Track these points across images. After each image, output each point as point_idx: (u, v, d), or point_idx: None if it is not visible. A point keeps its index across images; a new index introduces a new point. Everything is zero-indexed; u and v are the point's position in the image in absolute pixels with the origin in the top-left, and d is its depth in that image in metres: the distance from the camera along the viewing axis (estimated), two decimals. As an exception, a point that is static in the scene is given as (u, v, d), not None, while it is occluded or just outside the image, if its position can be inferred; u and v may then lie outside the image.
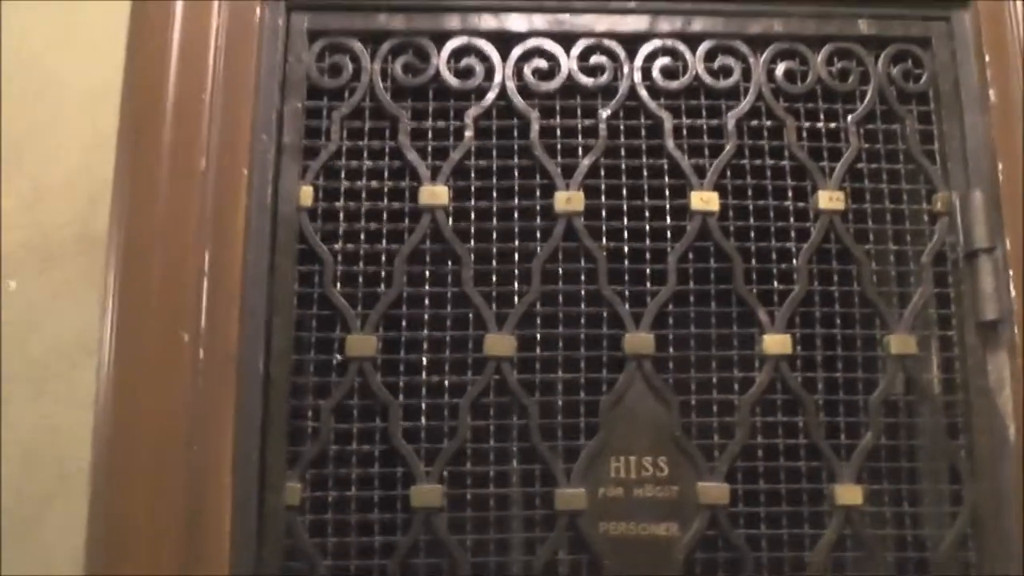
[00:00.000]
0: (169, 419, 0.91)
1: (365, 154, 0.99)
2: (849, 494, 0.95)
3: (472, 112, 0.99)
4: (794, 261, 0.99)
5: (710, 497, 0.94)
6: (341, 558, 0.94)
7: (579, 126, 1.00)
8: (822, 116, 1.03)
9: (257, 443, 0.92)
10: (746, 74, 1.02)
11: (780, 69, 1.03)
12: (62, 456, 0.90)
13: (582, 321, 0.97)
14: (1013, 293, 0.95)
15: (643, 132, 1.01)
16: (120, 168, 0.96)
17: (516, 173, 0.99)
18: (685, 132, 1.01)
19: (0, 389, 0.91)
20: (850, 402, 0.98)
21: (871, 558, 0.95)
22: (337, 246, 0.96)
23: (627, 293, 0.97)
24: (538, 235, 0.98)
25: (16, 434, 0.89)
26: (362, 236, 0.97)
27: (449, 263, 0.97)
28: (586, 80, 1.01)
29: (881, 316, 0.98)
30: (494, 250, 0.98)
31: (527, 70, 1.01)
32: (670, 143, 1.00)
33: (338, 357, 0.95)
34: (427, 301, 0.97)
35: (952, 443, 0.97)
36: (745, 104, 1.01)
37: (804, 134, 1.02)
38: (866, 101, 1.03)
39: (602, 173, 1.00)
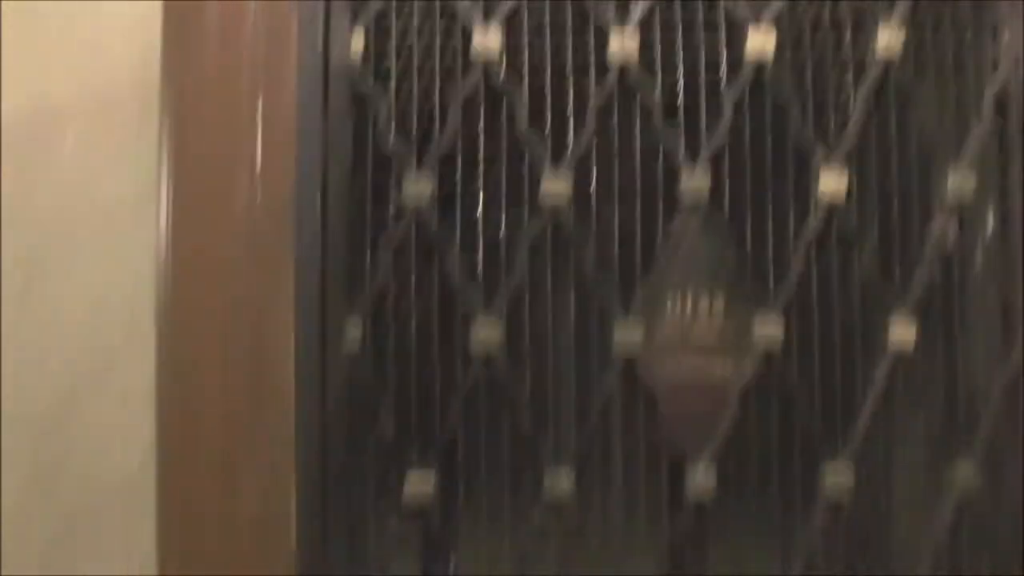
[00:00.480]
0: (230, 265, 0.91)
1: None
2: (903, 333, 0.95)
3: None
4: (852, 99, 0.96)
5: (766, 336, 0.94)
6: (402, 402, 0.94)
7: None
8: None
9: (317, 287, 0.92)
10: None
11: None
12: (130, 307, 0.90)
13: (637, 162, 0.96)
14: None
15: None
16: (168, 17, 0.94)
17: (569, 22, 0.96)
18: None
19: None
20: (905, 242, 0.97)
21: (923, 396, 0.95)
22: (390, 91, 0.94)
23: (683, 132, 0.95)
24: (592, 79, 0.96)
25: (85, 288, 0.90)
26: (415, 80, 0.94)
27: (503, 104, 0.95)
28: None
29: (939, 155, 0.95)
30: (548, 91, 0.94)
31: None
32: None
33: (394, 202, 0.93)
34: (482, 145, 0.95)
35: (1009, 277, 0.95)
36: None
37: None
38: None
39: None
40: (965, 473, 0.95)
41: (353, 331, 0.92)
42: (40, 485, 0.90)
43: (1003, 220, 0.98)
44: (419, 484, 0.94)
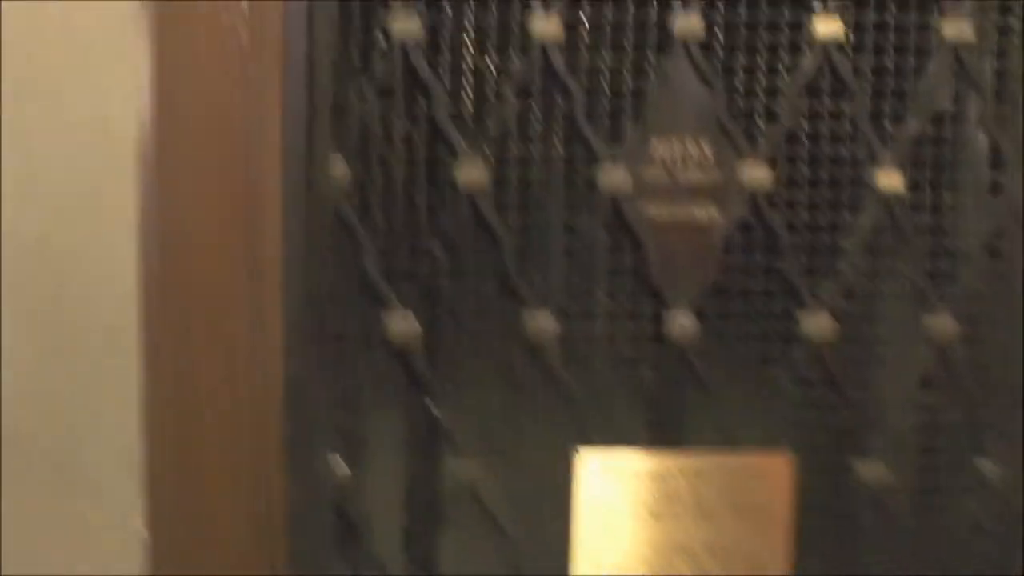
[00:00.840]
0: (215, 100, 0.92)
1: None
2: (890, 179, 0.94)
3: None
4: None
5: (752, 181, 0.93)
6: (389, 239, 0.95)
7: None
8: None
9: (304, 122, 0.91)
10: None
11: None
12: (115, 141, 0.89)
13: (629, 1, 0.93)
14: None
15: None
16: None
17: None
18: None
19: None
20: (897, 89, 0.94)
21: (906, 245, 0.95)
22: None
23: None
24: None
25: (67, 122, 0.89)
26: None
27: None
28: None
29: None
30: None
31: None
32: None
33: (382, 38, 0.92)
34: (470, -21, 0.92)
35: (999, 131, 0.94)
36: None
37: None
38: None
39: None
40: (944, 323, 0.94)
41: (339, 168, 0.91)
42: (22, 318, 0.90)
43: (999, 69, 0.95)
44: (401, 323, 0.93)
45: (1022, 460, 0.96)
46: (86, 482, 0.95)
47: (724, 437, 0.97)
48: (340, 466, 0.96)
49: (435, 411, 0.96)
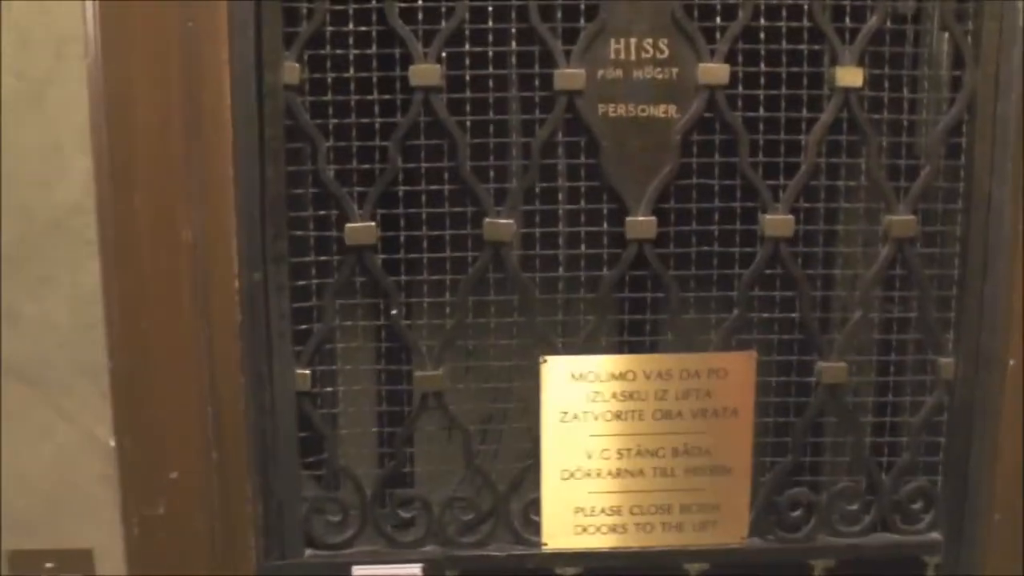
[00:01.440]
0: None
1: None
2: (850, 76, 0.93)
3: None
4: None
5: (709, 77, 0.93)
6: (342, 139, 0.93)
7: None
8: None
9: (252, 20, 0.90)
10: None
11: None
12: (58, 38, 0.87)
13: None
14: None
15: None
16: None
17: None
18: None
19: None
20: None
21: (865, 142, 0.94)
22: None
23: None
24: None
25: (12, 18, 0.86)
26: None
27: None
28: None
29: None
30: None
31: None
32: None
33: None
34: None
35: (959, 28, 0.93)
36: None
37: None
38: None
39: None
40: (902, 219, 0.94)
41: (290, 69, 0.89)
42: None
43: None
44: (361, 228, 0.92)
45: (976, 356, 0.96)
46: (51, 379, 0.94)
47: (686, 337, 0.95)
48: (302, 376, 0.94)
49: (396, 319, 0.94)
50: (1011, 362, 0.96)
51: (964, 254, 0.98)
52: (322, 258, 0.94)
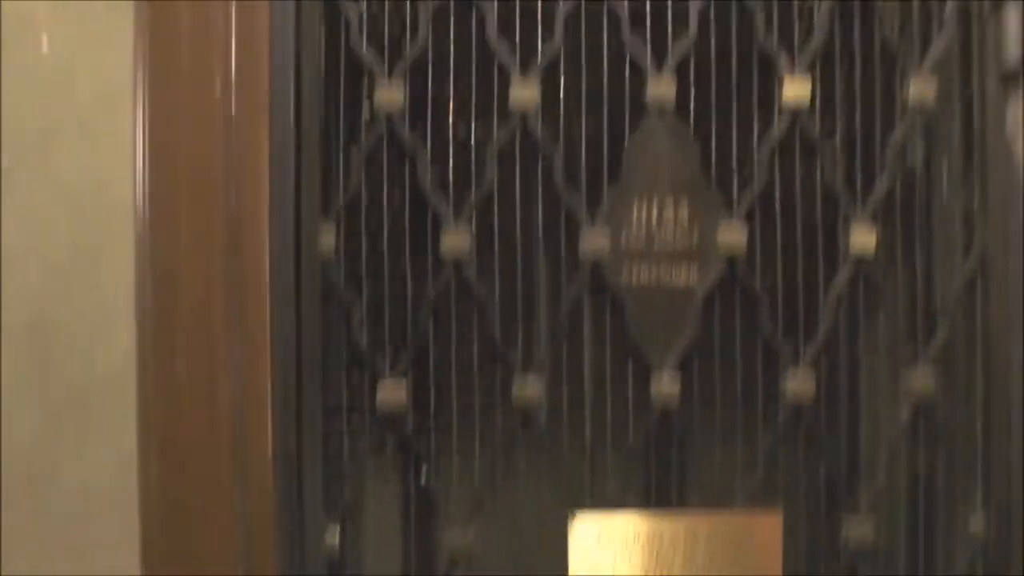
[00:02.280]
0: (206, 170, 0.93)
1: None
2: (863, 240, 0.96)
3: None
4: (815, 8, 0.97)
5: (729, 243, 0.96)
6: (375, 306, 0.97)
7: None
8: None
9: (292, 193, 0.94)
10: None
11: None
12: (111, 210, 0.92)
13: (604, 70, 0.96)
14: (1036, 39, 0.94)
15: None
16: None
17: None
18: None
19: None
20: (868, 151, 0.98)
21: (882, 302, 0.97)
22: (362, 2, 0.96)
23: (649, 42, 0.96)
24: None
25: (64, 189, 0.91)
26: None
27: (473, 14, 0.96)
28: None
29: (902, 63, 0.97)
30: (517, 4, 0.97)
31: None
32: None
33: (367, 110, 0.95)
34: (452, 53, 0.96)
35: (967, 191, 0.97)
36: None
37: None
38: None
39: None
40: (922, 378, 0.96)
41: (326, 237, 0.93)
42: (26, 382, 0.91)
43: (965, 128, 0.98)
44: (392, 392, 0.95)
45: (1009, 512, 0.96)
46: (87, 542, 0.95)
47: (712, 497, 0.96)
48: (333, 535, 0.95)
49: (427, 478, 0.96)
50: (1041, 518, 0.95)
51: (987, 410, 0.98)
52: (354, 423, 0.95)
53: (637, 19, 0.97)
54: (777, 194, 0.97)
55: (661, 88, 0.96)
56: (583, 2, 0.97)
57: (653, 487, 1.02)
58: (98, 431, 0.91)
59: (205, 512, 0.93)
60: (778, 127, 0.97)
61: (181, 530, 0.93)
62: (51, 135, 0.91)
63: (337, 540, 0.95)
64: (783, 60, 0.96)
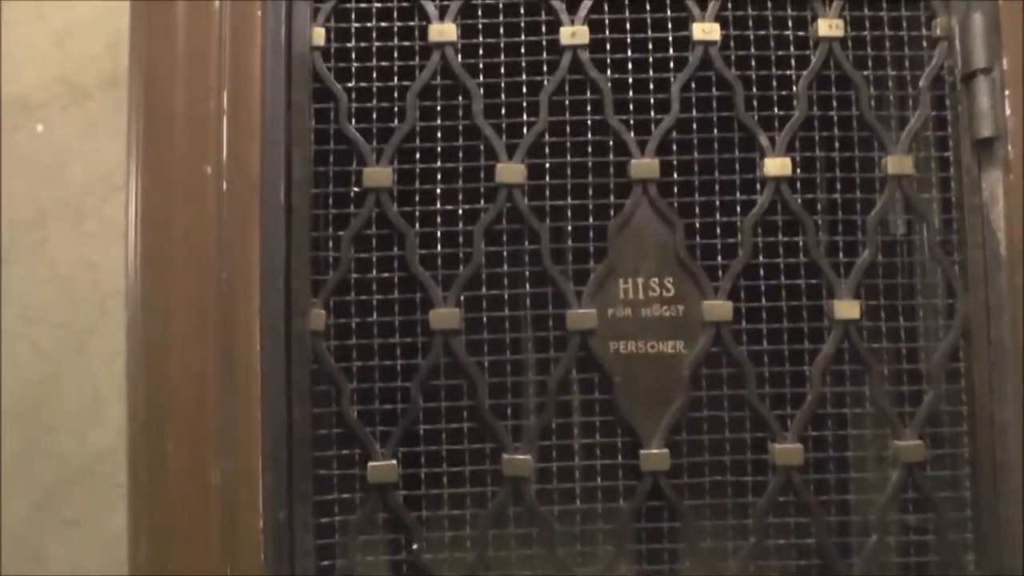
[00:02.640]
0: (198, 249, 0.95)
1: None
2: (847, 309, 0.98)
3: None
4: (794, 88, 1.00)
5: (714, 315, 0.98)
6: (365, 381, 0.98)
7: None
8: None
9: (282, 270, 0.96)
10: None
11: None
12: (102, 292, 0.93)
13: (589, 149, 0.99)
14: (1008, 111, 0.98)
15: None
16: (136, 11, 0.98)
17: (522, 10, 1.01)
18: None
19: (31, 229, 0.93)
20: (849, 222, 1.00)
21: (868, 370, 0.98)
22: (350, 84, 0.98)
23: (632, 122, 0.99)
24: (545, 68, 0.99)
25: (57, 271, 0.93)
26: (374, 74, 0.99)
27: (460, 97, 0.99)
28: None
29: (879, 138, 1.01)
30: (503, 84, 0.99)
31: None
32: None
33: (356, 189, 0.97)
34: (439, 134, 0.98)
35: (947, 259, 0.99)
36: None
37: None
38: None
39: (606, 8, 1.02)
40: (909, 444, 0.97)
41: (316, 314, 0.95)
42: (17, 463, 0.92)
43: (944, 201, 1.01)
44: (382, 464, 0.96)
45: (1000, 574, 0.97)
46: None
47: (704, 565, 0.97)
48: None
49: (418, 553, 0.96)
50: (1033, 582, 0.96)
51: (974, 475, 0.99)
52: (345, 496, 0.96)
53: (620, 101, 0.99)
54: (761, 266, 0.97)
55: (644, 166, 0.98)
56: (567, 83, 0.98)
57: (644, 557, 1.02)
58: (89, 511, 0.91)
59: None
60: (761, 200, 0.99)
61: (172, 608, 0.92)
62: (45, 216, 0.92)
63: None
64: (763, 138, 0.98)
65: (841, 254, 0.99)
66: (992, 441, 0.98)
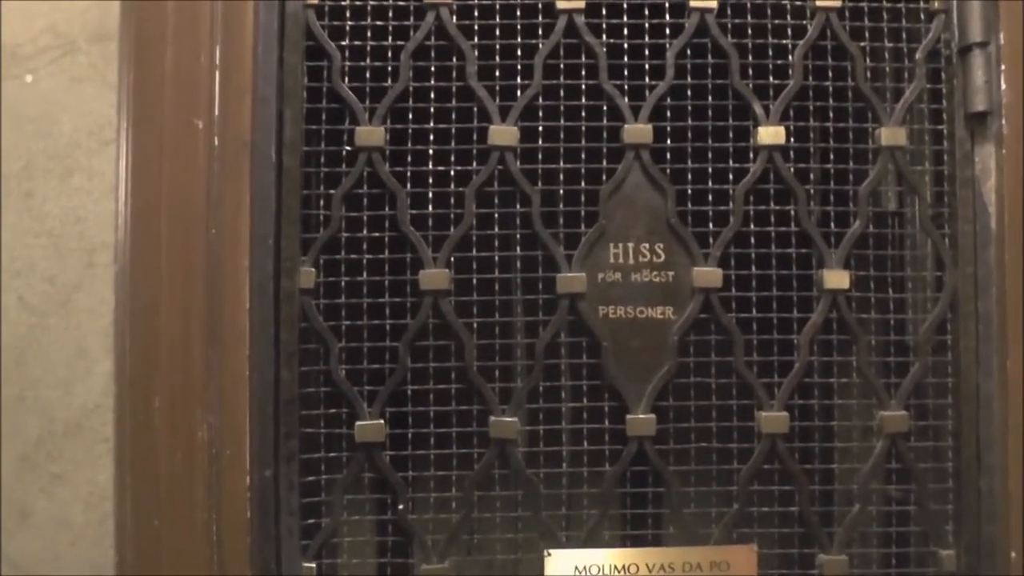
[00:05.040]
0: (187, 205, 0.95)
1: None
2: (836, 279, 0.98)
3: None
4: (790, 57, 1.00)
5: (704, 281, 0.98)
6: (353, 340, 0.98)
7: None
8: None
9: (272, 229, 0.95)
10: None
11: None
12: (89, 246, 0.93)
13: (582, 114, 0.98)
14: (1004, 85, 0.98)
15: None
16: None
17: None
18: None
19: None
20: (841, 193, 1.00)
21: (855, 341, 0.98)
22: (344, 42, 0.98)
23: (626, 87, 0.98)
24: (540, 31, 0.99)
25: (44, 225, 0.92)
26: (368, 33, 0.98)
27: (454, 59, 0.98)
28: None
29: (874, 110, 1.00)
30: (497, 46, 0.99)
31: None
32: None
33: (348, 148, 0.97)
34: (433, 95, 0.98)
35: (937, 232, 0.99)
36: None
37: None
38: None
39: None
40: (894, 415, 0.98)
41: (306, 272, 0.94)
42: (3, 419, 0.92)
43: (936, 175, 1.01)
44: (369, 425, 0.96)
45: (978, 548, 0.97)
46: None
47: (687, 531, 0.97)
48: (308, 570, 0.96)
49: (403, 514, 0.97)
50: (1012, 554, 0.97)
51: (957, 447, 1.00)
52: (332, 455, 0.96)
53: (615, 67, 0.98)
54: (752, 234, 0.97)
55: (638, 131, 0.98)
56: (561, 47, 0.97)
57: (628, 521, 1.02)
58: (74, 465, 0.91)
59: (181, 545, 0.93)
60: (753, 169, 0.99)
61: (156, 564, 0.93)
62: (33, 169, 0.91)
63: (315, 572, 0.95)
64: (758, 107, 0.98)
65: (832, 224, 0.98)
66: (976, 414, 0.98)
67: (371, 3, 0.98)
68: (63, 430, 0.93)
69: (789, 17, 1.01)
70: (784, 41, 1.00)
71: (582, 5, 0.99)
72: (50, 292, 0.93)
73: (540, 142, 0.99)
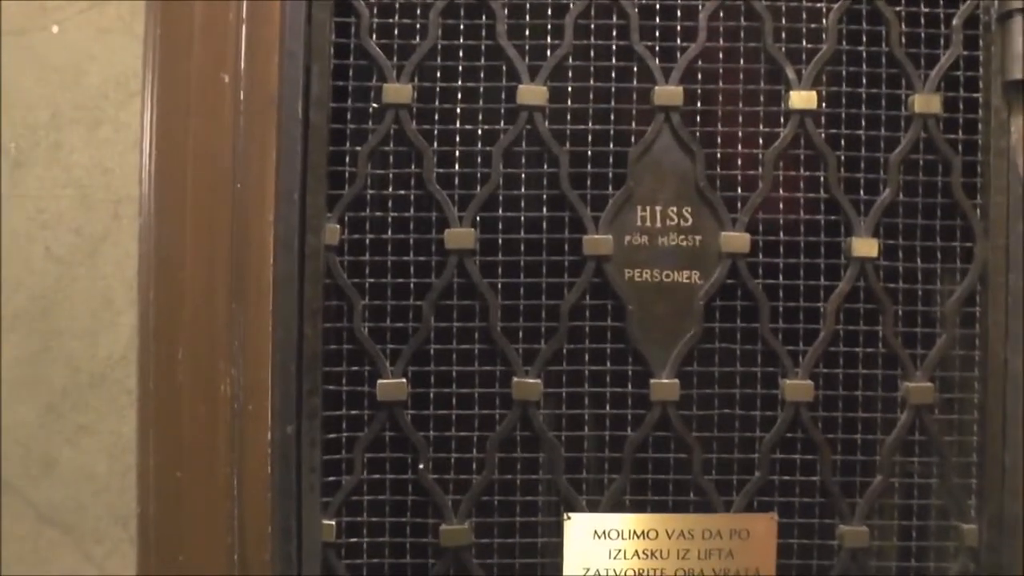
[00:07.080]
0: (213, 159, 0.94)
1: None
2: (865, 247, 0.97)
3: None
4: (824, 20, 0.98)
5: (731, 247, 0.97)
6: (377, 298, 0.97)
7: None
8: None
9: (298, 184, 0.95)
10: None
11: None
12: (116, 197, 0.93)
13: (612, 75, 0.98)
14: (1043, 53, 0.95)
15: None
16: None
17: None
18: None
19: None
20: (872, 159, 0.98)
21: (882, 310, 0.97)
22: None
23: (657, 48, 0.97)
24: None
25: (71, 175, 0.92)
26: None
27: (483, 17, 0.97)
28: None
29: (907, 76, 0.98)
30: (528, 4, 0.98)
31: None
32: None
33: (375, 105, 0.96)
34: (461, 53, 0.97)
35: (968, 202, 0.98)
36: None
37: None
38: None
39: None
40: (919, 386, 0.97)
41: (331, 228, 0.94)
42: (27, 367, 0.92)
43: (969, 144, 0.99)
44: (392, 383, 0.96)
45: (1000, 523, 0.97)
46: (85, 527, 0.96)
47: (708, 498, 0.97)
48: (328, 527, 0.96)
49: (424, 473, 0.97)
50: (1035, 529, 0.96)
51: (983, 421, 0.98)
52: (353, 412, 0.96)
53: (646, 27, 0.97)
54: (780, 200, 0.96)
55: (668, 94, 0.97)
56: (593, 5, 0.96)
57: (650, 487, 1.02)
58: (98, 416, 0.92)
59: (202, 499, 0.93)
60: (784, 133, 0.98)
61: (177, 516, 0.93)
62: (60, 120, 0.91)
63: (334, 533, 0.95)
64: (790, 71, 0.97)
65: (862, 191, 0.97)
66: (1003, 388, 0.97)
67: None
68: (88, 381, 0.93)
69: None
70: (818, 4, 0.98)
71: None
72: (77, 243, 0.93)
73: (569, 103, 0.97)
